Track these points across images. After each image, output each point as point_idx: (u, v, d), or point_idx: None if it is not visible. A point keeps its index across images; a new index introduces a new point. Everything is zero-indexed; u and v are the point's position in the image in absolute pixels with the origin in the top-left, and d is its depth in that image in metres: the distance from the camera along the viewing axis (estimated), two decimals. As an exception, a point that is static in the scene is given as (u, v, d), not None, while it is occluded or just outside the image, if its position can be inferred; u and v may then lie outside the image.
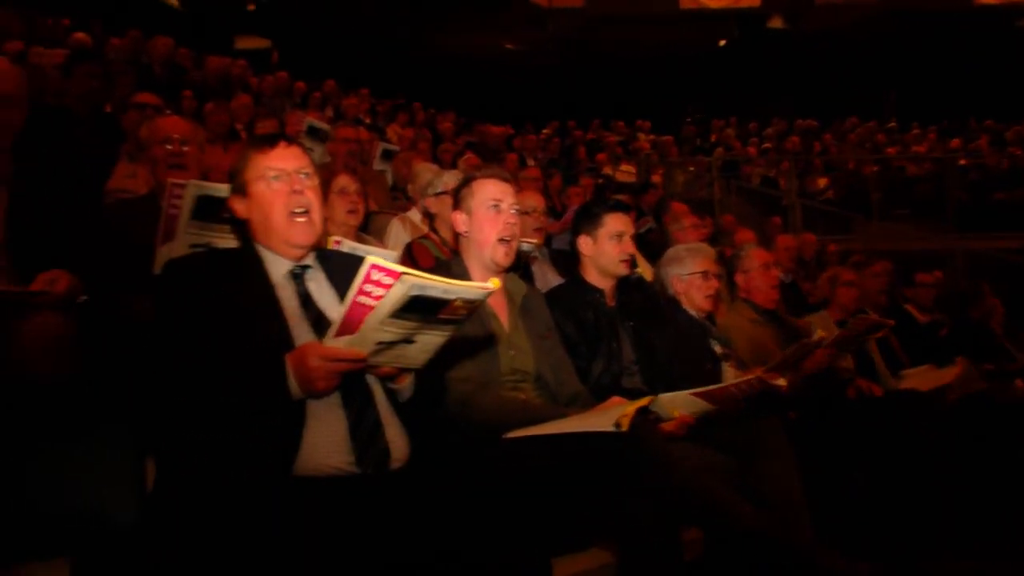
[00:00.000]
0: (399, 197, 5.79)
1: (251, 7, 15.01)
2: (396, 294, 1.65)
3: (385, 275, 1.64)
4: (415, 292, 1.66)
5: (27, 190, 2.65)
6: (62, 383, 2.24)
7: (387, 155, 6.41)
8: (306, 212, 2.07)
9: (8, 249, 2.52)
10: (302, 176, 2.09)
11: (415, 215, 4.37)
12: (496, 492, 2.02)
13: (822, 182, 11.86)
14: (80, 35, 7.89)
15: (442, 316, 1.76)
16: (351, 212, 3.47)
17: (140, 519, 1.99)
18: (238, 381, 1.85)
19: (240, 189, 2.12)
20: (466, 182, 2.72)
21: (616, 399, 2.43)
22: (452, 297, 1.72)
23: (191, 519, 1.81)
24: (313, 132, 5.80)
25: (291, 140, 2.16)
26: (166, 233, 2.69)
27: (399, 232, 4.25)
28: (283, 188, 2.06)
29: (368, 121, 9.12)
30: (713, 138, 14.26)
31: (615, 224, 3.11)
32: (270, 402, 1.84)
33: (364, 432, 1.93)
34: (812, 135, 13.89)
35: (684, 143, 13.95)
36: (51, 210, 2.67)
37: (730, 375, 3.28)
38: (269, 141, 2.12)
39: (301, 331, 1.99)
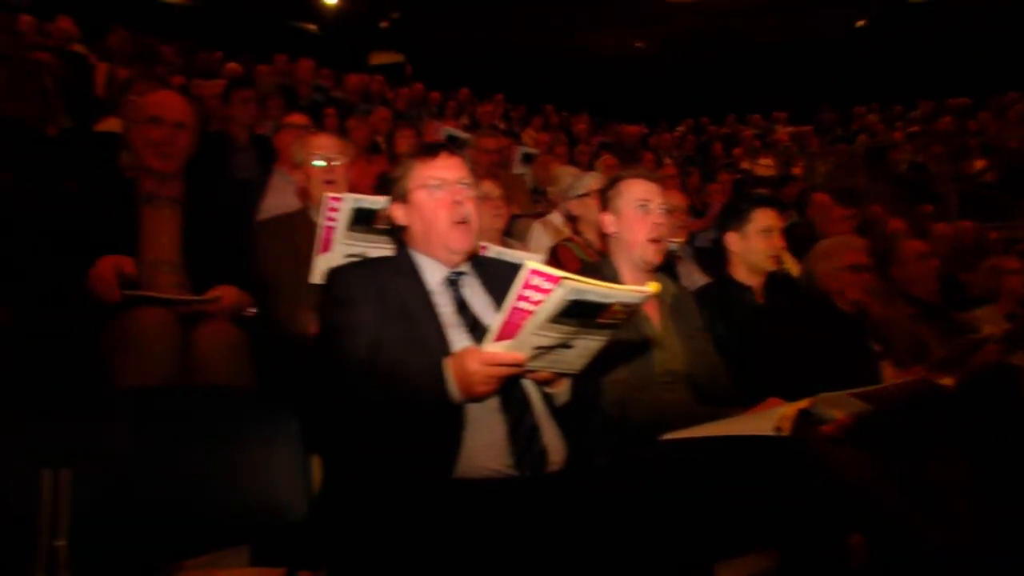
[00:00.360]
0: (539, 200, 5.86)
1: (384, 24, 15.49)
2: (555, 299, 1.67)
3: (544, 280, 1.66)
4: (574, 296, 1.67)
5: (197, 210, 2.83)
6: (239, 388, 2.39)
7: (527, 159, 6.49)
8: (466, 221, 2.14)
9: (184, 266, 2.70)
10: (463, 186, 2.16)
11: (556, 218, 4.40)
12: (655, 495, 2.02)
13: (979, 164, 11.11)
14: (233, 65, 8.37)
15: (600, 320, 1.77)
16: (496, 217, 3.54)
17: (309, 513, 2.09)
18: (401, 385, 1.93)
19: (401, 197, 2.20)
20: (613, 183, 2.72)
21: (774, 400, 2.37)
22: (611, 301, 1.73)
23: (356, 516, 1.91)
24: (452, 141, 5.93)
25: (453, 151, 2.22)
26: (324, 244, 2.82)
27: (541, 235, 4.30)
28: (445, 197, 2.14)
29: (503, 127, 9.25)
30: (855, 126, 13.66)
31: (764, 219, 3.05)
32: (432, 405, 1.90)
33: (522, 435, 1.96)
34: (966, 114, 13.04)
35: (824, 132, 13.44)
36: (218, 228, 2.85)
37: (889, 374, 3.14)
38: (431, 151, 2.20)
39: (458, 336, 2.05)
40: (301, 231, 3.06)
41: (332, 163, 3.13)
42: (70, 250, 2.59)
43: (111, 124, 4.57)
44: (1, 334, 2.50)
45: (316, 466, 2.18)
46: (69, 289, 2.49)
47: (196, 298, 2.48)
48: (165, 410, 2.12)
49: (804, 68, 15.01)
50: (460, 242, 2.14)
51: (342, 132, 5.94)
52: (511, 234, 4.33)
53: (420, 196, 2.16)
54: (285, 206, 3.70)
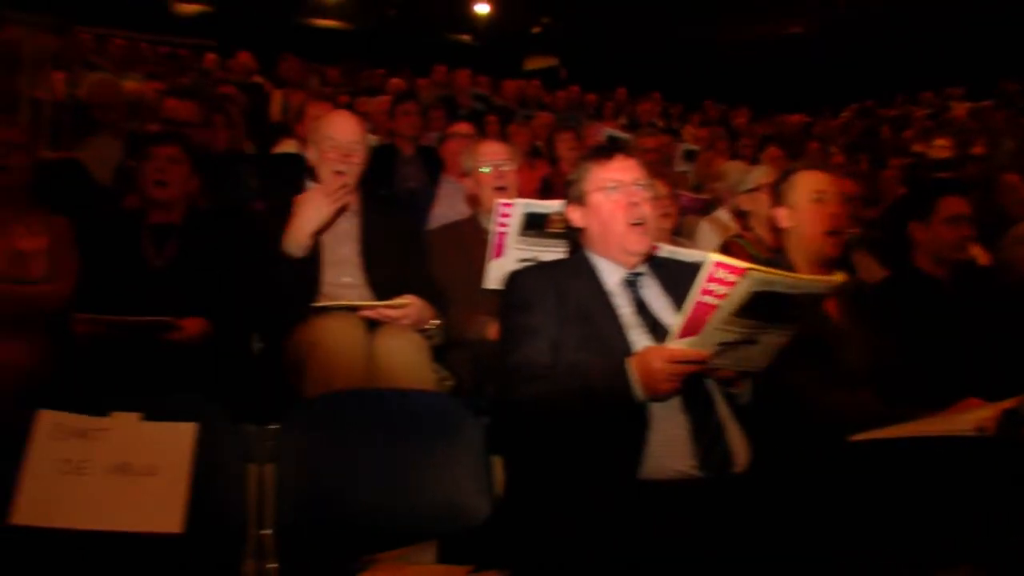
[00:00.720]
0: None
1: (536, 29, 15.65)
2: (741, 291, 1.64)
3: (729, 272, 1.64)
4: (760, 288, 1.64)
5: (374, 220, 2.96)
6: (422, 392, 2.48)
7: (689, 156, 6.40)
8: (643, 222, 2.14)
9: (365, 273, 2.82)
10: (639, 187, 2.16)
11: (723, 214, 4.32)
12: (850, 501, 1.94)
13: None
14: (396, 80, 8.69)
15: (785, 314, 1.73)
16: (664, 216, 3.51)
17: (492, 512, 2.16)
18: (584, 385, 1.94)
19: (578, 199, 2.22)
20: (786, 176, 2.65)
21: (973, 400, 2.20)
22: (797, 292, 1.68)
23: (541, 516, 1.94)
24: (612, 142, 5.91)
25: (628, 152, 2.24)
26: (497, 250, 2.88)
27: (708, 233, 4.23)
28: (621, 199, 2.14)
29: (662, 125, 9.16)
30: (1042, 95, 12.57)
31: (951, 207, 2.87)
32: (616, 405, 1.90)
33: (706, 436, 1.94)
34: None
35: (1007, 105, 12.42)
36: (394, 237, 2.96)
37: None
38: (607, 153, 2.23)
39: (638, 337, 2.05)
40: (472, 238, 3.14)
41: (501, 169, 3.19)
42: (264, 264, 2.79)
43: (287, 146, 4.83)
44: (203, 344, 2.68)
45: (498, 467, 2.25)
46: (265, 301, 2.65)
47: (383, 303, 2.57)
48: (354, 412, 2.25)
49: (980, 36, 13.95)
50: (637, 244, 2.14)
51: (503, 138, 6.05)
52: (678, 233, 4.28)
53: (597, 198, 2.17)
54: (454, 214, 3.80)
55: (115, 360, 2.50)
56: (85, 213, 3.09)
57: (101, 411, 2.05)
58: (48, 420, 2.02)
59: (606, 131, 6.25)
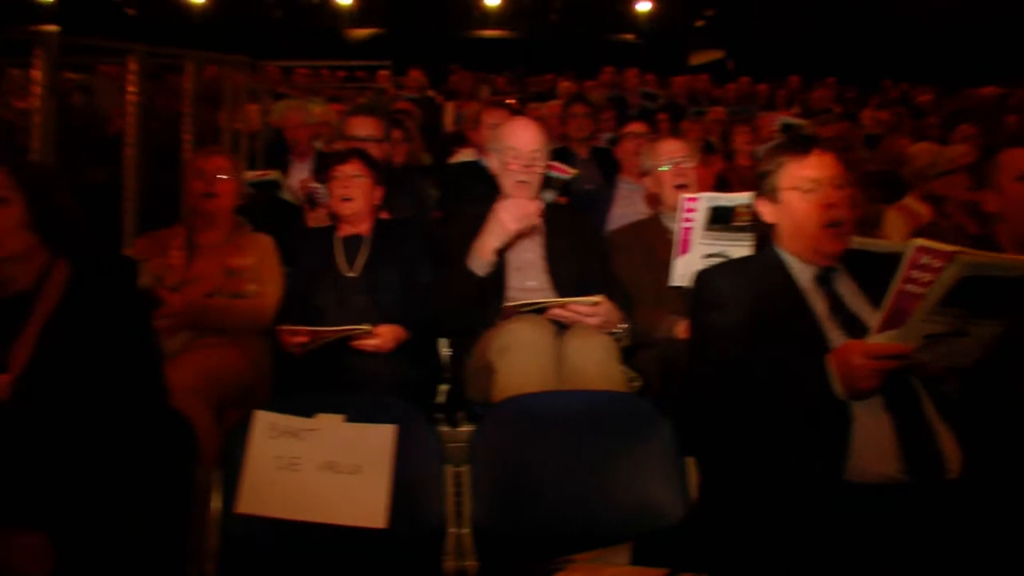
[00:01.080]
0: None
1: (699, 23, 15.38)
2: (948, 277, 1.54)
3: (934, 257, 1.54)
4: (970, 273, 1.53)
5: (555, 222, 2.98)
6: (613, 393, 2.47)
7: (869, 141, 6.10)
8: (839, 223, 2.02)
9: (549, 274, 2.85)
10: (835, 186, 2.03)
11: (912, 202, 4.06)
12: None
13: None
14: (566, 83, 8.78)
15: (999, 302, 1.61)
16: (853, 207, 3.34)
17: (687, 514, 2.13)
18: (781, 384, 1.88)
19: (770, 194, 2.12)
20: (988, 155, 2.47)
21: None
22: (1013, 276, 1.56)
23: (739, 520, 1.90)
24: (787, 129, 5.72)
25: (825, 147, 2.10)
26: (682, 247, 2.85)
27: (896, 222, 3.99)
28: (817, 200, 2.02)
29: (839, 110, 8.76)
30: None
31: None
32: (815, 404, 1.83)
33: (912, 437, 1.82)
34: None
35: None
36: (576, 238, 2.98)
37: None
38: (803, 148, 2.09)
39: (834, 335, 1.96)
40: (655, 237, 3.11)
41: (681, 166, 3.15)
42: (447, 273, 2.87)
43: (462, 155, 4.97)
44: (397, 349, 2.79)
45: (692, 469, 2.21)
46: (451, 308, 2.73)
47: (574, 299, 2.58)
48: (546, 414, 2.27)
49: None
50: (832, 246, 2.02)
51: (676, 135, 5.97)
52: (863, 223, 4.07)
53: (790, 197, 2.06)
54: (633, 215, 3.78)
55: (317, 366, 2.64)
56: (283, 230, 3.32)
57: (309, 413, 2.19)
58: (263, 420, 2.18)
59: (782, 119, 6.05)
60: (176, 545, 2.01)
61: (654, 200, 3.32)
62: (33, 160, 1.91)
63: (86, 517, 1.72)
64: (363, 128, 3.90)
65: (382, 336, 2.71)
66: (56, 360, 1.82)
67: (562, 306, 2.57)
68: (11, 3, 14.43)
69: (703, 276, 2.17)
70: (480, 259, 2.61)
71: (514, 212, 2.55)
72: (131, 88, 4.00)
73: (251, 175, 4.22)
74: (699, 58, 14.65)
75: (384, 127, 4.03)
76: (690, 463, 2.21)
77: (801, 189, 2.04)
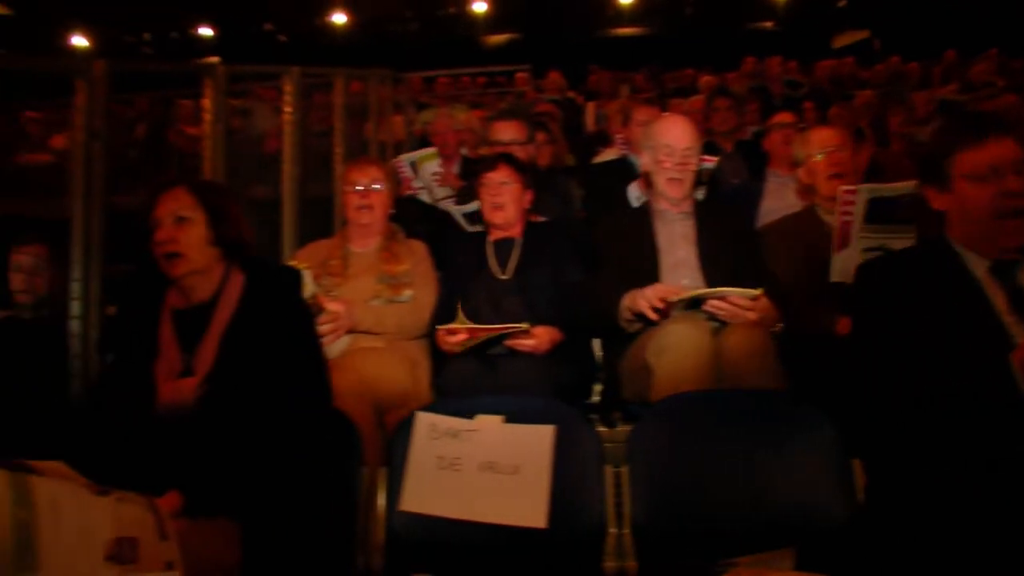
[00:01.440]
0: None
1: (841, 3, 14.77)
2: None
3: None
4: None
5: (708, 219, 2.95)
6: (773, 392, 2.42)
7: (1043, 117, 5.68)
8: (1018, 214, 1.84)
9: (704, 274, 2.82)
10: (1016, 173, 1.84)
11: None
12: None
13: None
14: (707, 77, 8.64)
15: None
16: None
17: (852, 518, 2.05)
18: (958, 385, 1.77)
19: (938, 182, 1.95)
20: None
21: None
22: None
23: (911, 525, 1.81)
24: (947, 108, 5.43)
25: (1002, 129, 1.89)
26: (841, 241, 2.75)
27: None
28: (991, 188, 1.84)
29: (1002, 84, 8.19)
30: None
31: None
32: (997, 406, 1.72)
33: None
34: None
35: None
36: (729, 234, 2.93)
37: None
38: (978, 131, 1.90)
39: (1017, 331, 1.81)
40: (810, 230, 3.02)
41: (836, 154, 3.04)
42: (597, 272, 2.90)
43: (605, 155, 4.96)
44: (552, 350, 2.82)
45: (858, 471, 2.13)
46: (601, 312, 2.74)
47: (733, 289, 2.52)
48: (705, 414, 2.24)
49: None
50: (1012, 239, 1.84)
51: (824, 123, 5.77)
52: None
53: (963, 187, 1.88)
54: (784, 208, 3.68)
55: (474, 367, 2.70)
56: (434, 236, 3.42)
57: (469, 414, 2.25)
58: (424, 421, 2.25)
59: (940, 97, 5.72)
60: (345, 538, 2.10)
61: (808, 192, 3.21)
62: (209, 181, 2.06)
63: (269, 508, 1.84)
64: (507, 132, 3.96)
65: (538, 337, 2.73)
66: (236, 364, 1.95)
67: (721, 297, 2.52)
68: (175, 40, 15.55)
69: (864, 270, 2.07)
70: (623, 317, 2.65)
71: (652, 297, 2.54)
72: (287, 108, 4.22)
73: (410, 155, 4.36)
74: (843, 40, 14.01)
75: (527, 130, 4.08)
76: (856, 465, 2.13)
77: (976, 177, 1.87)
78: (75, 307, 2.89)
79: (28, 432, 2.25)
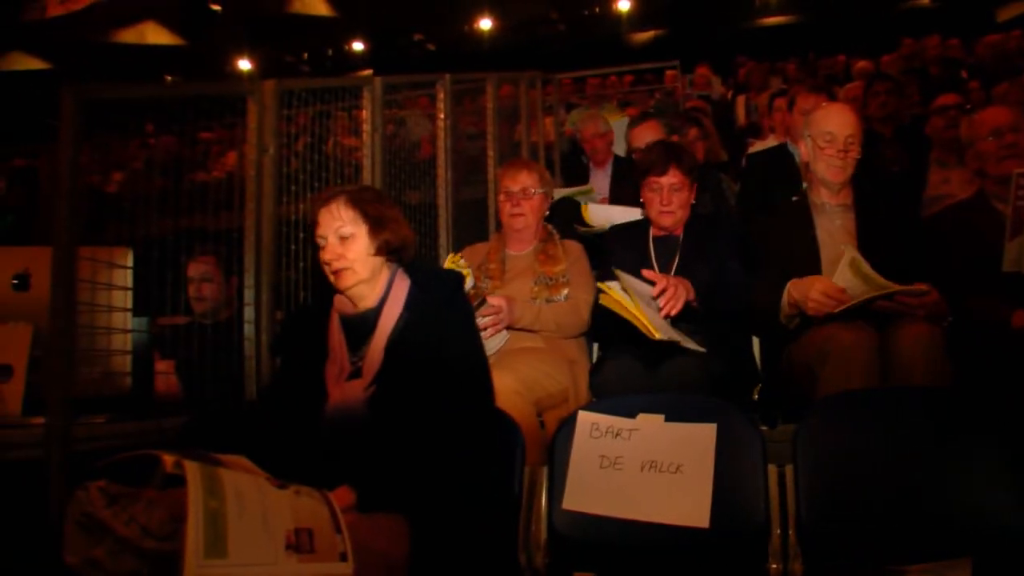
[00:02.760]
0: None
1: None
2: None
3: None
4: None
5: (868, 211, 2.83)
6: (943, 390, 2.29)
7: None
8: None
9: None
10: None
11: None
12: None
13: None
14: (862, 63, 8.27)
15: None
16: None
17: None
18: None
19: None
20: None
21: None
22: None
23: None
24: None
25: None
26: (1015, 228, 2.59)
27: None
28: None
29: None
30: None
31: None
32: None
33: None
34: None
35: None
36: (890, 224, 2.80)
37: None
38: None
39: None
40: (980, 217, 2.85)
41: (1007, 136, 2.86)
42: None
43: (758, 147, 4.84)
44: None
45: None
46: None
47: (901, 288, 2.43)
48: (873, 412, 2.15)
49: None
50: None
51: (990, 102, 5.41)
52: None
53: None
54: (948, 196, 3.49)
55: (632, 365, 2.68)
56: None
57: (630, 413, 2.24)
58: (586, 420, 2.26)
59: None
60: (508, 536, 2.14)
61: (980, 176, 3.02)
62: (365, 189, 2.13)
63: (435, 505, 1.89)
64: (644, 137, 3.95)
65: (667, 281, 2.66)
66: (402, 366, 2.02)
67: (889, 298, 2.42)
68: (331, 56, 16.31)
69: None
70: (784, 312, 2.60)
71: (820, 300, 2.46)
72: (441, 115, 4.34)
73: (566, 191, 4.41)
74: (1008, 12, 13.04)
75: (664, 129, 4.04)
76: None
77: None
78: (248, 312, 3.05)
79: (212, 428, 2.38)
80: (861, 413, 2.16)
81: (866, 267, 2.45)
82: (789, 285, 2.57)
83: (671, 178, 2.98)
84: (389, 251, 2.09)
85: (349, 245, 2.04)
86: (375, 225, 2.05)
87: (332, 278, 2.07)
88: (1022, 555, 1.89)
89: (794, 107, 4.16)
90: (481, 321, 2.80)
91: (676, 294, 2.63)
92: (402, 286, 2.13)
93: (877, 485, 2.05)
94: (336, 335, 2.12)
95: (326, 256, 2.05)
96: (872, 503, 2.04)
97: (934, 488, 2.01)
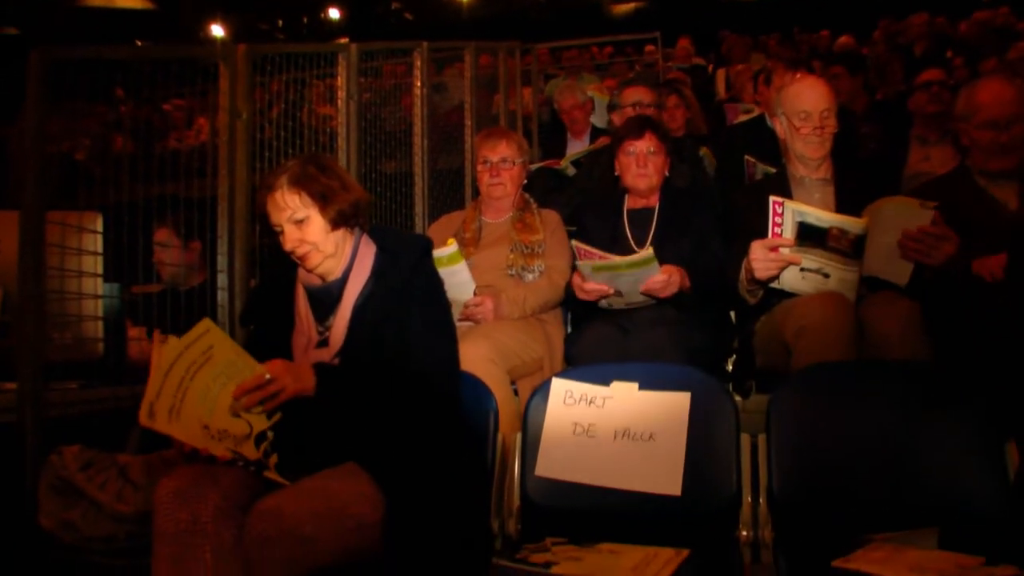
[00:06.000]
0: None
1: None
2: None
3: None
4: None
5: (847, 187, 2.82)
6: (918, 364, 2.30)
7: None
8: None
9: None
10: None
11: None
12: None
13: None
14: (844, 38, 8.26)
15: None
16: None
17: (1003, 501, 1.95)
18: None
19: None
20: None
21: None
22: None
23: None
24: None
25: None
26: None
27: None
28: None
29: None
30: None
31: None
32: None
33: None
34: None
35: None
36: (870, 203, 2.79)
37: None
38: None
39: None
40: (964, 194, 2.79)
41: (1003, 135, 2.72)
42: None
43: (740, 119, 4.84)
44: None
45: (1012, 452, 2.01)
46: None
47: (835, 216, 2.41)
48: (847, 384, 2.17)
49: None
50: None
51: (975, 77, 5.42)
52: None
53: None
54: (929, 173, 3.51)
55: (607, 333, 2.68)
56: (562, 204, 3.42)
57: (604, 381, 2.25)
58: (560, 388, 2.26)
59: None
60: (481, 502, 2.15)
61: (960, 152, 3.00)
62: (303, 166, 2.05)
63: (407, 471, 1.89)
64: (636, 96, 3.92)
65: (668, 271, 2.66)
66: (369, 334, 2.00)
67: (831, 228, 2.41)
68: (306, 24, 16.07)
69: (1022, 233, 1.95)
70: (744, 289, 2.58)
71: (763, 260, 2.43)
72: (417, 83, 4.29)
73: (538, 164, 4.39)
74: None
75: (656, 95, 4.02)
76: (1010, 447, 2.02)
77: None
78: (221, 279, 3.03)
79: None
80: (836, 385, 2.18)
81: (812, 211, 2.42)
82: (744, 262, 2.55)
83: (647, 142, 2.98)
84: (345, 221, 2.06)
85: (306, 228, 2.00)
86: (324, 202, 2.00)
87: (299, 262, 2.05)
88: (987, 526, 1.92)
89: (771, 83, 4.15)
90: (465, 312, 2.86)
91: (670, 281, 2.65)
92: (368, 253, 2.10)
93: (848, 456, 2.07)
94: (303, 306, 2.10)
95: (287, 245, 2.02)
96: (843, 473, 2.06)
97: (905, 460, 2.03)
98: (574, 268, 2.79)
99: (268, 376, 1.80)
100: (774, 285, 2.51)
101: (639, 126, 3.03)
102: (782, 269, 2.44)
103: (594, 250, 2.65)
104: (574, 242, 2.70)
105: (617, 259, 2.62)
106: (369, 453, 1.89)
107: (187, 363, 1.76)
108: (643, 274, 2.63)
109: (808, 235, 2.41)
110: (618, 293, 2.71)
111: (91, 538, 1.99)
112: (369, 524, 1.79)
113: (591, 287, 2.69)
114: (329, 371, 1.92)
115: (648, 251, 2.60)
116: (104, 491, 2.03)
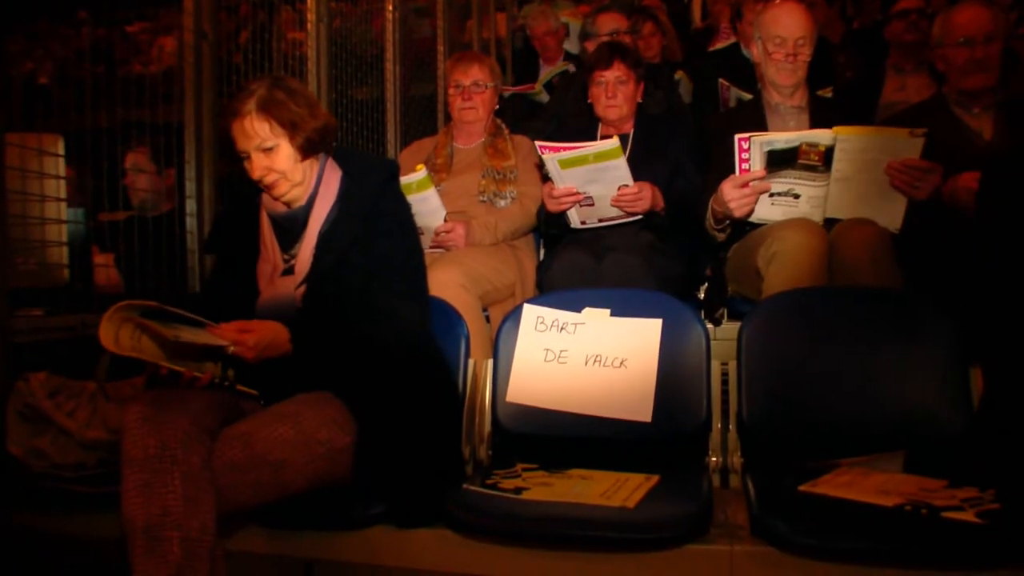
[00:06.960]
0: None
1: None
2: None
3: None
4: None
5: (820, 117, 2.79)
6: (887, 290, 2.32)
7: None
8: None
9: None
10: None
11: None
12: None
13: None
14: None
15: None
16: None
17: (967, 425, 1.98)
18: None
19: None
20: None
21: None
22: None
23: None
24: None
25: None
26: None
27: None
28: None
29: None
30: None
31: None
32: None
33: None
34: None
35: None
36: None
37: None
38: None
39: None
40: (938, 121, 2.71)
41: (978, 49, 2.71)
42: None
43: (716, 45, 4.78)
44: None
45: (976, 377, 2.04)
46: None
47: (808, 133, 2.41)
48: (817, 312, 2.17)
49: None
50: None
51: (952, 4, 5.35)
52: None
53: None
54: (904, 103, 3.46)
55: (580, 259, 2.67)
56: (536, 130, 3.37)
57: (576, 307, 2.25)
58: (532, 314, 2.26)
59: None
60: (452, 427, 2.14)
61: (939, 81, 2.97)
62: (270, 89, 1.97)
63: (378, 396, 1.89)
64: (610, 24, 3.85)
65: (639, 186, 2.64)
66: (334, 260, 1.96)
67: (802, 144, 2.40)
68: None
69: (997, 164, 1.95)
70: (711, 227, 2.58)
71: (737, 198, 2.42)
72: (389, 7, 4.18)
73: (511, 89, 4.32)
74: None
75: (630, 22, 3.95)
76: (975, 372, 2.05)
77: None
78: (190, 205, 2.98)
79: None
80: (806, 311, 2.18)
81: (777, 136, 2.40)
82: (711, 202, 2.54)
83: (616, 71, 2.93)
84: (313, 149, 2.00)
85: (274, 157, 1.93)
86: (293, 130, 1.94)
87: (266, 190, 1.99)
88: (951, 449, 1.95)
89: (742, 19, 4.09)
90: (436, 239, 2.84)
91: (640, 195, 2.62)
92: (333, 177, 2.05)
93: (817, 382, 2.09)
94: (267, 233, 2.05)
95: (254, 173, 1.94)
96: (811, 400, 2.08)
97: (872, 386, 2.05)
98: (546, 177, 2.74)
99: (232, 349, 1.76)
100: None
101: (608, 55, 2.97)
102: (757, 200, 2.43)
103: (558, 144, 2.58)
104: (537, 142, 2.62)
105: (583, 147, 2.56)
106: (341, 380, 1.88)
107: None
108: (612, 171, 2.59)
109: (778, 161, 2.40)
110: (588, 201, 2.68)
111: (61, 465, 1.98)
112: (339, 449, 1.79)
113: (560, 192, 2.65)
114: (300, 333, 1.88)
115: (614, 140, 2.55)
116: (73, 418, 2.01)
